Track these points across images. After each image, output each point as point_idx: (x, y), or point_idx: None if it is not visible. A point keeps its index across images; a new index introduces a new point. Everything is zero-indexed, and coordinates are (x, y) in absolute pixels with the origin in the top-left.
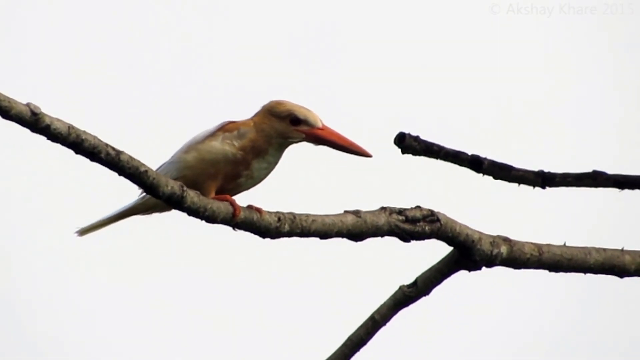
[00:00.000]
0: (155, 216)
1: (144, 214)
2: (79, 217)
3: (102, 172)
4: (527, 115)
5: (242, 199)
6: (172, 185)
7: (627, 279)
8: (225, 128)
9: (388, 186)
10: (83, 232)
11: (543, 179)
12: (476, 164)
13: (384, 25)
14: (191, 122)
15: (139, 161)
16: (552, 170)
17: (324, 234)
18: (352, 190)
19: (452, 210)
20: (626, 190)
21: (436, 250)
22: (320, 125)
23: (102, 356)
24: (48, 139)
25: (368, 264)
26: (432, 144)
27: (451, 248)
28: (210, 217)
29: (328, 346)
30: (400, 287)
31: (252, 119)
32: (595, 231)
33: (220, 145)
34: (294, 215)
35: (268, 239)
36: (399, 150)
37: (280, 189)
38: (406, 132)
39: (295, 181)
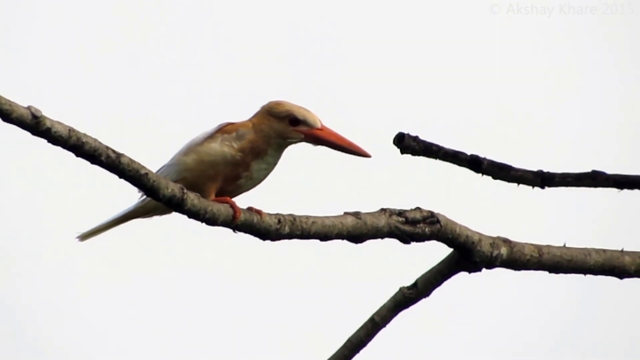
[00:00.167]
0: (156, 219)
1: (144, 217)
2: (80, 220)
3: (103, 175)
4: (526, 116)
5: (242, 201)
6: (172, 188)
7: (627, 280)
8: (224, 130)
9: (387, 187)
10: (84, 237)
11: (542, 179)
12: (475, 164)
13: (384, 26)
14: (190, 124)
15: (139, 164)
16: (551, 170)
17: (324, 236)
18: (352, 191)
19: (452, 211)
20: (625, 190)
21: (436, 252)
22: (319, 125)
23: (104, 359)
24: (49, 142)
25: (368, 265)
26: (431, 144)
27: (451, 249)
28: (211, 220)
29: (328, 347)
30: (400, 289)
31: (250, 120)
32: (595, 232)
33: (220, 147)
34: (294, 217)
35: (268, 241)
36: (398, 150)
37: (280, 190)
38: (405, 132)
39: (295, 182)
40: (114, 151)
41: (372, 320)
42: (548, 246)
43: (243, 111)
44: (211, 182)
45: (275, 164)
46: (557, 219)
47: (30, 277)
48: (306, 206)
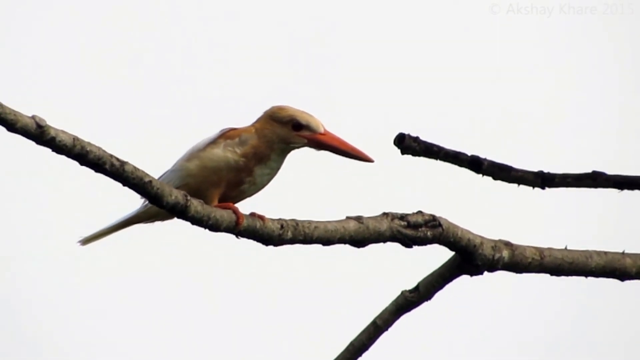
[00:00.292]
0: (158, 224)
1: (146, 223)
2: (83, 226)
3: (105, 181)
4: (526, 116)
5: (245, 206)
6: (175, 195)
7: (628, 282)
8: (227, 135)
9: (388, 190)
10: (86, 241)
11: (542, 180)
12: (476, 164)
13: (384, 26)
14: (192, 129)
15: (143, 171)
16: (552, 171)
17: (327, 241)
18: (354, 196)
19: (453, 214)
20: (626, 191)
21: (438, 255)
22: (322, 130)
23: None
24: (53, 151)
25: (370, 269)
26: (432, 145)
27: (453, 253)
28: (214, 226)
29: (330, 351)
30: (402, 292)
31: (253, 125)
32: (596, 234)
33: (222, 153)
34: (296, 222)
35: (271, 247)
36: (399, 151)
37: (282, 195)
38: (406, 132)
39: (297, 187)
40: (117, 159)
41: (374, 323)
42: (549, 249)
43: (244, 113)
44: (214, 188)
45: (278, 168)
46: (558, 221)
47: (32, 280)
48: (308, 211)
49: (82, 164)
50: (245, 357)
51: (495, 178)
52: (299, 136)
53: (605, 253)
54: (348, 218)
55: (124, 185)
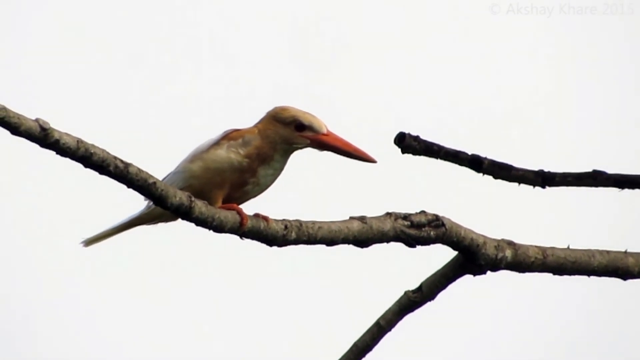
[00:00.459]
0: (161, 226)
1: (149, 224)
2: (86, 227)
3: (109, 183)
4: (527, 115)
5: (249, 207)
6: (180, 196)
7: (630, 281)
8: (230, 136)
9: (391, 190)
10: (89, 242)
11: (543, 179)
12: (476, 163)
13: (384, 26)
14: (195, 130)
15: (147, 173)
16: (552, 170)
17: (331, 241)
18: (357, 196)
19: (456, 213)
20: (626, 190)
21: (441, 255)
22: (325, 131)
23: None
24: (57, 153)
25: (373, 269)
26: (432, 144)
27: (456, 252)
28: (218, 227)
29: (334, 352)
30: (406, 293)
31: (256, 126)
32: (598, 233)
33: (226, 154)
34: (300, 222)
35: (275, 247)
36: (399, 150)
37: (286, 196)
38: (406, 132)
39: (301, 188)
40: (122, 161)
41: (377, 324)
42: (552, 248)
43: (246, 113)
44: (218, 189)
45: (281, 169)
46: (560, 220)
47: (35, 282)
48: (312, 211)
49: (86, 166)
50: (249, 358)
51: (495, 177)
52: (301, 137)
53: (608, 252)
54: (351, 218)
55: (128, 186)
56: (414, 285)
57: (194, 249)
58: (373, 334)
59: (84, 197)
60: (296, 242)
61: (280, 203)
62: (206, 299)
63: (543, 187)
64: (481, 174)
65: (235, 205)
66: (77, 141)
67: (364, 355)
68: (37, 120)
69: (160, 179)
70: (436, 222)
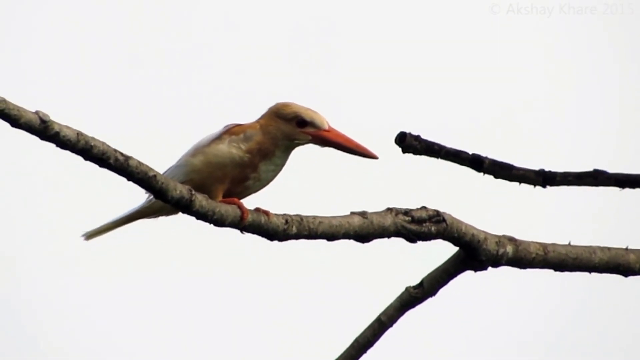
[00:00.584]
0: (162, 220)
1: (150, 218)
2: (87, 221)
3: (111, 177)
4: (527, 115)
5: (250, 202)
6: (180, 190)
7: (631, 278)
8: (232, 131)
9: (393, 187)
10: (90, 235)
11: (544, 178)
12: (477, 163)
13: (384, 26)
14: (194, 125)
15: (147, 166)
16: (553, 169)
17: (331, 236)
18: (358, 192)
19: (457, 211)
20: (627, 189)
21: (442, 251)
22: (326, 127)
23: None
24: (57, 146)
25: (374, 265)
26: (433, 143)
27: (457, 248)
28: (219, 221)
29: (335, 348)
30: (407, 288)
31: (258, 121)
32: (599, 230)
33: (227, 149)
34: (301, 217)
35: (276, 242)
36: (400, 149)
37: (287, 191)
38: (407, 131)
39: (302, 183)
40: (122, 154)
41: (378, 320)
42: (553, 244)
43: (246, 112)
44: (219, 184)
45: (283, 165)
46: (561, 218)
47: (35, 276)
48: (313, 207)
49: (86, 158)
50: (249, 353)
51: (496, 177)
52: (303, 133)
53: (609, 249)
54: (352, 213)
55: (129, 179)
56: (415, 281)
57: (195, 244)
58: (374, 330)
59: (86, 191)
60: (297, 236)
61: (281, 199)
62: (207, 294)
63: (544, 186)
64: (482, 174)
65: (235, 199)
66: (77, 134)
67: (365, 351)
68: (37, 112)
69: (161, 172)
70: (437, 217)
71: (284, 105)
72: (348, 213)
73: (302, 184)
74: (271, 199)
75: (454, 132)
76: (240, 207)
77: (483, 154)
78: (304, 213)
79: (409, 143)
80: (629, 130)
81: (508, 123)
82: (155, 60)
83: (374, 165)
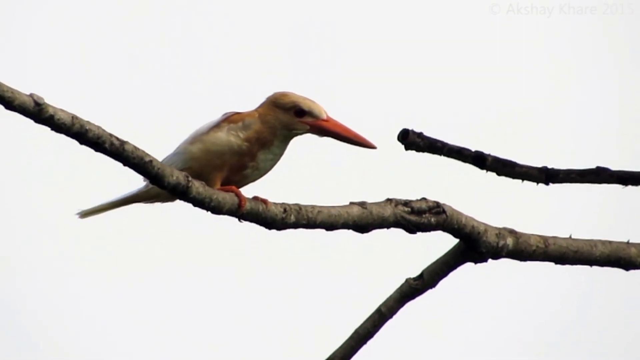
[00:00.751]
0: (161, 207)
1: (147, 202)
2: (85, 202)
3: (108, 163)
4: (528, 114)
5: (248, 191)
6: (177, 176)
7: (632, 272)
8: (230, 119)
9: (393, 181)
10: (85, 214)
11: (546, 176)
12: (480, 160)
13: (386, 25)
14: (192, 119)
15: (143, 151)
16: (556, 167)
17: (330, 226)
18: (358, 184)
19: (458, 205)
20: (630, 187)
21: (442, 243)
22: (324, 116)
23: (102, 350)
24: (52, 129)
25: (374, 256)
26: (436, 141)
27: (457, 240)
28: (216, 208)
29: (335, 339)
30: (407, 280)
31: (256, 110)
32: (600, 225)
33: (226, 137)
34: (299, 206)
35: (274, 230)
36: (403, 146)
37: (286, 181)
38: (409, 128)
39: (301, 173)
40: (117, 138)
41: (378, 311)
42: (554, 237)
43: (246, 108)
44: (217, 172)
45: (281, 154)
46: (562, 214)
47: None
48: (312, 197)
49: (81, 142)
50: (247, 344)
51: (499, 174)
52: (301, 123)
53: (610, 242)
54: (352, 203)
55: (125, 164)
56: (415, 272)
57: (194, 233)
58: (374, 321)
59: (83, 178)
60: (295, 225)
61: (281, 189)
62: (205, 283)
63: (547, 183)
64: (485, 171)
65: (233, 187)
66: (72, 117)
67: (365, 342)
68: (31, 95)
69: (159, 160)
70: (437, 208)
71: (282, 94)
72: (347, 203)
73: (301, 174)
74: (270, 189)
75: (457, 130)
76: (238, 194)
77: (486, 151)
78: (302, 203)
79: (411, 140)
80: (628, 129)
81: (510, 121)
82: (155, 54)
83: (374, 158)
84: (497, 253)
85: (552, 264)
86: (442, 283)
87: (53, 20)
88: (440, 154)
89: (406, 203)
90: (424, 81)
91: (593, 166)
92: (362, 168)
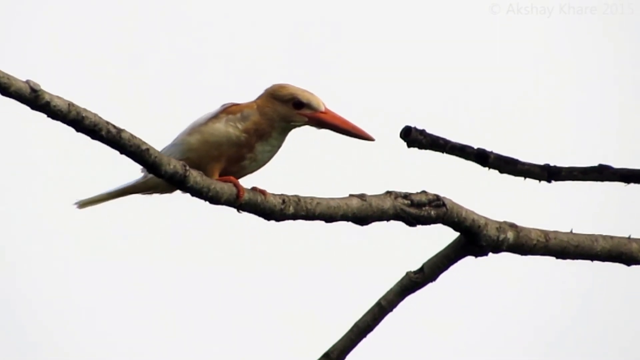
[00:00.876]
0: (159, 199)
1: (145, 193)
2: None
3: (106, 153)
4: (530, 111)
5: (246, 183)
6: (174, 165)
7: (634, 267)
8: (229, 110)
9: (393, 176)
10: (83, 204)
11: (549, 173)
12: (482, 157)
13: (386, 25)
14: (191, 111)
15: (140, 139)
16: (558, 164)
17: (329, 217)
18: (357, 176)
19: (459, 201)
20: (632, 185)
21: (443, 236)
22: (323, 108)
23: (98, 341)
24: (48, 116)
25: (374, 250)
26: (438, 138)
27: (457, 234)
28: (214, 198)
29: (335, 332)
30: (407, 273)
31: (255, 101)
32: (602, 221)
33: (224, 128)
34: (298, 197)
35: (273, 222)
36: (405, 143)
37: (285, 173)
38: (412, 125)
39: (300, 165)
40: (114, 126)
41: (378, 304)
42: (555, 232)
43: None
44: (215, 163)
45: (279, 146)
46: (564, 210)
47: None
48: (312, 189)
49: (78, 130)
50: (247, 336)
51: (501, 171)
52: (300, 115)
53: (611, 237)
54: (351, 195)
55: (121, 153)
56: (415, 266)
57: (192, 224)
58: (374, 315)
59: (83, 166)
60: (294, 216)
61: (280, 181)
62: (203, 275)
63: (549, 181)
64: (487, 168)
65: (232, 177)
66: (69, 104)
67: (365, 336)
68: (27, 81)
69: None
70: (437, 202)
71: (281, 86)
72: (347, 195)
73: (300, 167)
74: (270, 180)
75: (459, 128)
76: (236, 185)
77: (488, 149)
78: (302, 194)
79: (414, 137)
80: (629, 128)
81: (511, 119)
82: (155, 48)
83: (375, 154)
84: (497, 247)
85: (553, 258)
86: (443, 276)
87: (51, 9)
88: (442, 152)
89: (406, 196)
90: (425, 80)
91: (595, 164)
92: (362, 161)
